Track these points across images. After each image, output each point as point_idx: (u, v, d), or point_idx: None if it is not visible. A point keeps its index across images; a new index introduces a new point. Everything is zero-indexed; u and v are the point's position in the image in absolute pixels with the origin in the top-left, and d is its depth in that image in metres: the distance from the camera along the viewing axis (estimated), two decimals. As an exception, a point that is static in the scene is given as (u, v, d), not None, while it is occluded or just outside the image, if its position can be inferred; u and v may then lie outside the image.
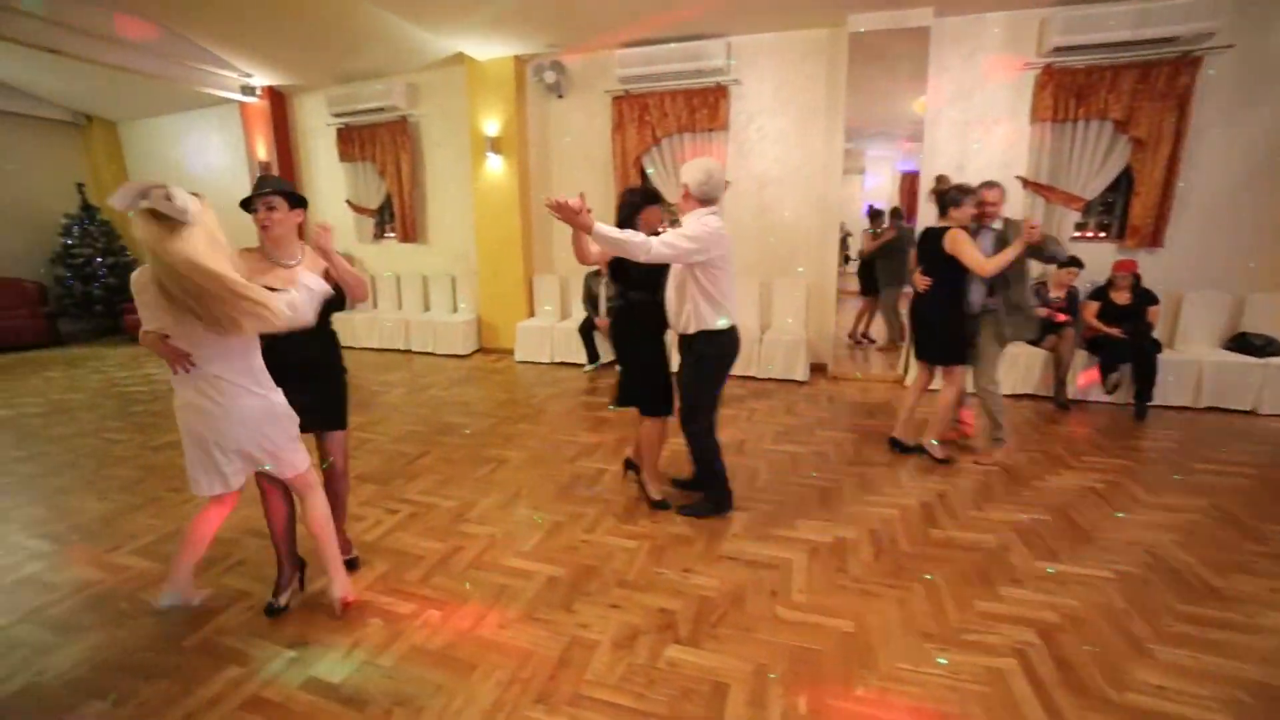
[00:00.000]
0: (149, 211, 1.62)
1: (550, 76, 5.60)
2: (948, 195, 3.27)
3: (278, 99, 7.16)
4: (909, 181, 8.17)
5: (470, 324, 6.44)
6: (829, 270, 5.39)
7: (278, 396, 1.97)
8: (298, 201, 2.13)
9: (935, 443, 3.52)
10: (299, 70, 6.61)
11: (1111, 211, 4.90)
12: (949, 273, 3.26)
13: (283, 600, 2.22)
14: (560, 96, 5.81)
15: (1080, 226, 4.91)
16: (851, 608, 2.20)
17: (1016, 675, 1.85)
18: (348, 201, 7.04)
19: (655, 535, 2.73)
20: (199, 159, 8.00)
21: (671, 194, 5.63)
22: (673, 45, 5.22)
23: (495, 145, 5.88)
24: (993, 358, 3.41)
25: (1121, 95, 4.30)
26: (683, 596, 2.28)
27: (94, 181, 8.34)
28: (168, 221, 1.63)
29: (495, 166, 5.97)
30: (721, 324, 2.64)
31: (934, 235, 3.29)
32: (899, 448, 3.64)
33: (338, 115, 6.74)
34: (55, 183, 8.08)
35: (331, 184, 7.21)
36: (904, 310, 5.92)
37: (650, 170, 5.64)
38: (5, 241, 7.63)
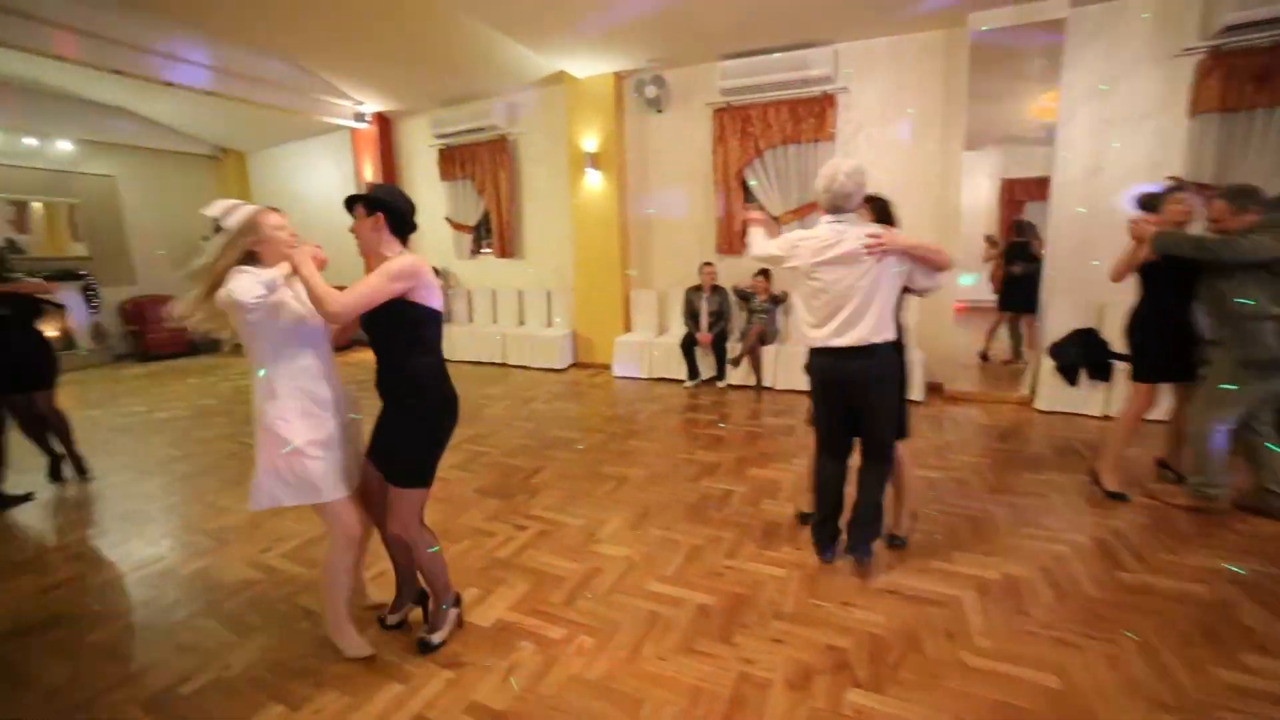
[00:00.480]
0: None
1: (651, 91, 5.61)
2: (1159, 198, 2.95)
3: (385, 124, 7.57)
4: (1009, 189, 7.63)
5: (566, 338, 6.50)
6: (947, 289, 5.05)
7: (273, 412, 1.85)
8: (375, 206, 1.88)
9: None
10: (406, 95, 6.97)
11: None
12: (1162, 279, 2.91)
13: (391, 619, 2.21)
14: (660, 111, 5.81)
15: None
16: (1049, 659, 1.95)
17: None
18: (447, 219, 7.32)
19: (803, 564, 2.56)
20: (312, 183, 8.58)
21: (775, 206, 5.49)
22: (777, 55, 5.11)
23: (594, 161, 5.94)
24: (1220, 397, 2.79)
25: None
26: (850, 633, 2.10)
27: (222, 207, 9.11)
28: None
29: (594, 182, 6.02)
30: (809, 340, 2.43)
31: None
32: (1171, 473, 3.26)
33: (440, 136, 7.04)
34: (195, 209, 8.87)
35: (432, 203, 7.52)
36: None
37: (753, 183, 5.52)
38: (157, 262, 8.43)
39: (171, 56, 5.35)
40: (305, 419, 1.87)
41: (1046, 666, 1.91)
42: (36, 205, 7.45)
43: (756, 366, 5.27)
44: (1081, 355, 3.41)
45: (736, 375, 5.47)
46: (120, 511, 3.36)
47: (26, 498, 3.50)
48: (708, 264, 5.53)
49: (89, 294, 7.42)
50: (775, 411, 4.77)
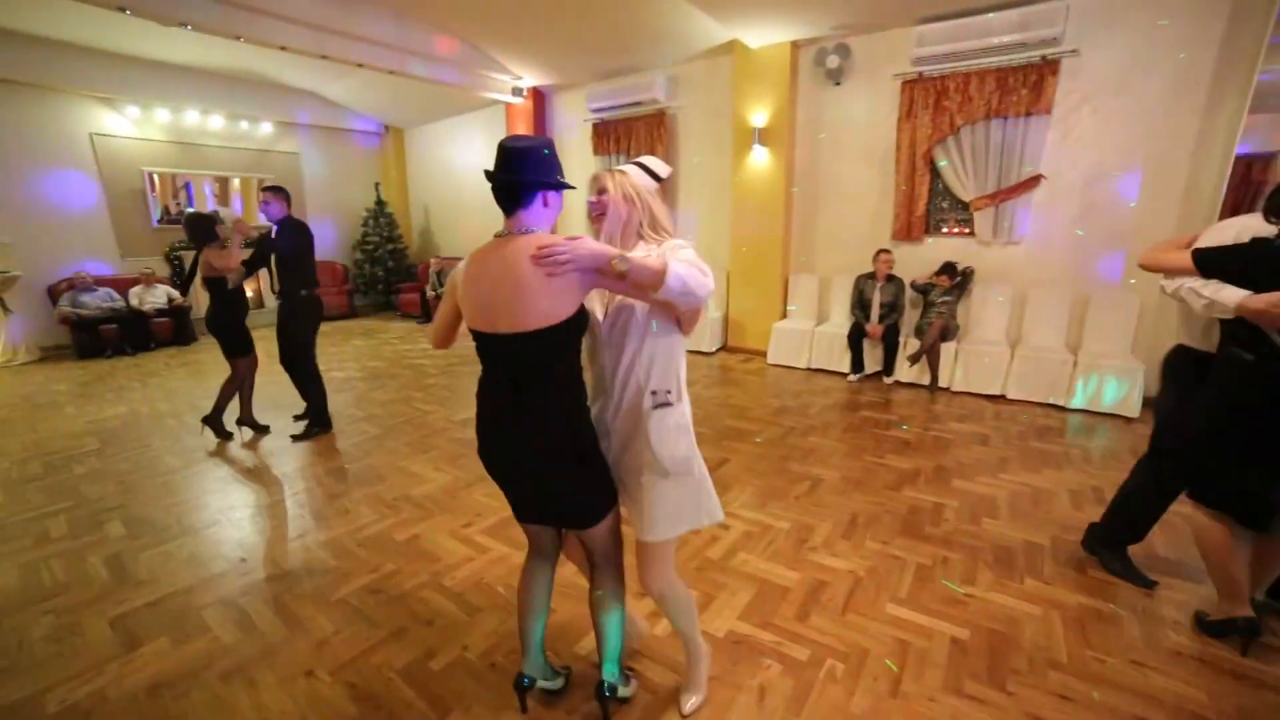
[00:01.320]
0: None
1: (833, 61, 5.20)
2: None
3: (539, 98, 7.68)
4: (1242, 168, 6.39)
5: (717, 321, 6.35)
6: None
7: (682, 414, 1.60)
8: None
9: None
10: (565, 69, 6.99)
11: None
12: None
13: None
14: (837, 84, 5.39)
15: None
16: None
17: None
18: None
19: (1060, 602, 2.27)
20: (465, 158, 8.95)
21: (966, 190, 4.95)
22: (991, 15, 4.51)
23: (762, 136, 5.65)
24: None
25: None
26: (1162, 706, 1.79)
27: (385, 180, 9.79)
28: None
29: (759, 159, 5.74)
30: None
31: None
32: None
33: (595, 110, 7.02)
34: (361, 182, 9.63)
35: (582, 178, 7.57)
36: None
37: (943, 163, 4.99)
38: (327, 230, 9.23)
39: (363, 39, 5.66)
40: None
41: None
42: (235, 181, 8.36)
43: (934, 364, 4.84)
44: None
45: (905, 372, 5.07)
46: (327, 469, 3.63)
47: (265, 429, 4.19)
48: (884, 251, 5.12)
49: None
50: (958, 416, 4.35)
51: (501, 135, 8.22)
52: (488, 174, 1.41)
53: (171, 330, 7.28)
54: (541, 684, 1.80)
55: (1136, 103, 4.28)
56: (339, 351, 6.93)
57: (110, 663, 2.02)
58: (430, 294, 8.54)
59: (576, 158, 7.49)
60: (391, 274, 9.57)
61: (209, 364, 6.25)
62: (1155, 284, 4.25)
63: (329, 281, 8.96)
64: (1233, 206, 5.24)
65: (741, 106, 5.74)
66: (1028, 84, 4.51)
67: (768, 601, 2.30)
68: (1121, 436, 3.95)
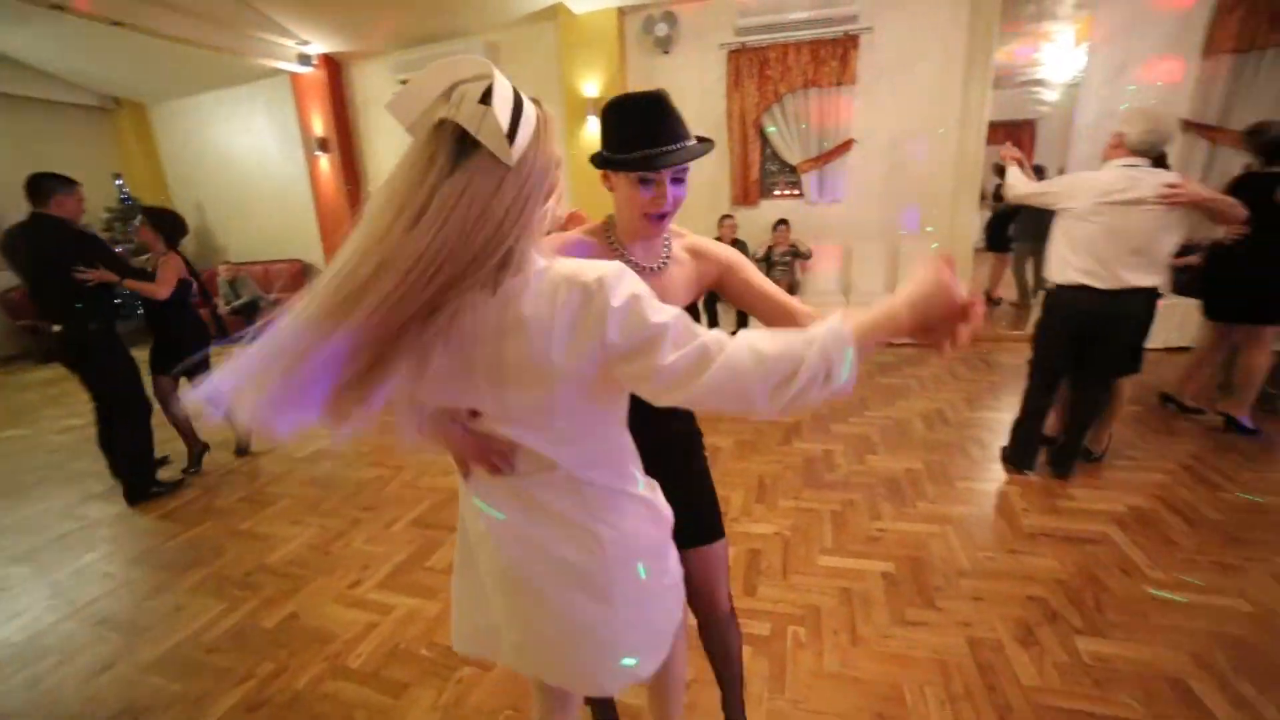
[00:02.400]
0: None
1: (662, 29, 5.20)
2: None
3: (334, 67, 6.62)
4: (1001, 134, 7.84)
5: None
6: (963, 232, 5.17)
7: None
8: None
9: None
10: (364, 34, 6.09)
11: None
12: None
13: None
14: (666, 52, 5.42)
15: None
16: (1221, 584, 2.09)
17: None
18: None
19: (947, 516, 2.59)
20: (244, 139, 7.43)
21: (793, 154, 5.35)
22: (800, -10, 4.85)
23: (595, 107, 5.49)
24: None
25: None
26: (1036, 581, 2.13)
27: (128, 171, 7.73)
28: None
29: (595, 130, 5.57)
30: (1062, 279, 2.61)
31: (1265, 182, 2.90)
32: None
33: (404, 82, 6.22)
34: (89, 170, 7.49)
35: (395, 159, 6.74)
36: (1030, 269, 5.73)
37: (772, 129, 5.32)
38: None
39: None
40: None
41: (1228, 591, 2.05)
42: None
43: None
44: None
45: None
46: (130, 557, 2.86)
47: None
48: (728, 216, 5.34)
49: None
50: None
51: (288, 110, 6.97)
52: (661, 153, 1.02)
53: None
54: None
55: (918, 77, 4.95)
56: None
57: None
58: (224, 308, 7.02)
59: (386, 135, 6.65)
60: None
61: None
62: (946, 230, 5.08)
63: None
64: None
65: (571, 76, 5.52)
66: (836, 56, 4.96)
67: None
68: (938, 363, 4.62)
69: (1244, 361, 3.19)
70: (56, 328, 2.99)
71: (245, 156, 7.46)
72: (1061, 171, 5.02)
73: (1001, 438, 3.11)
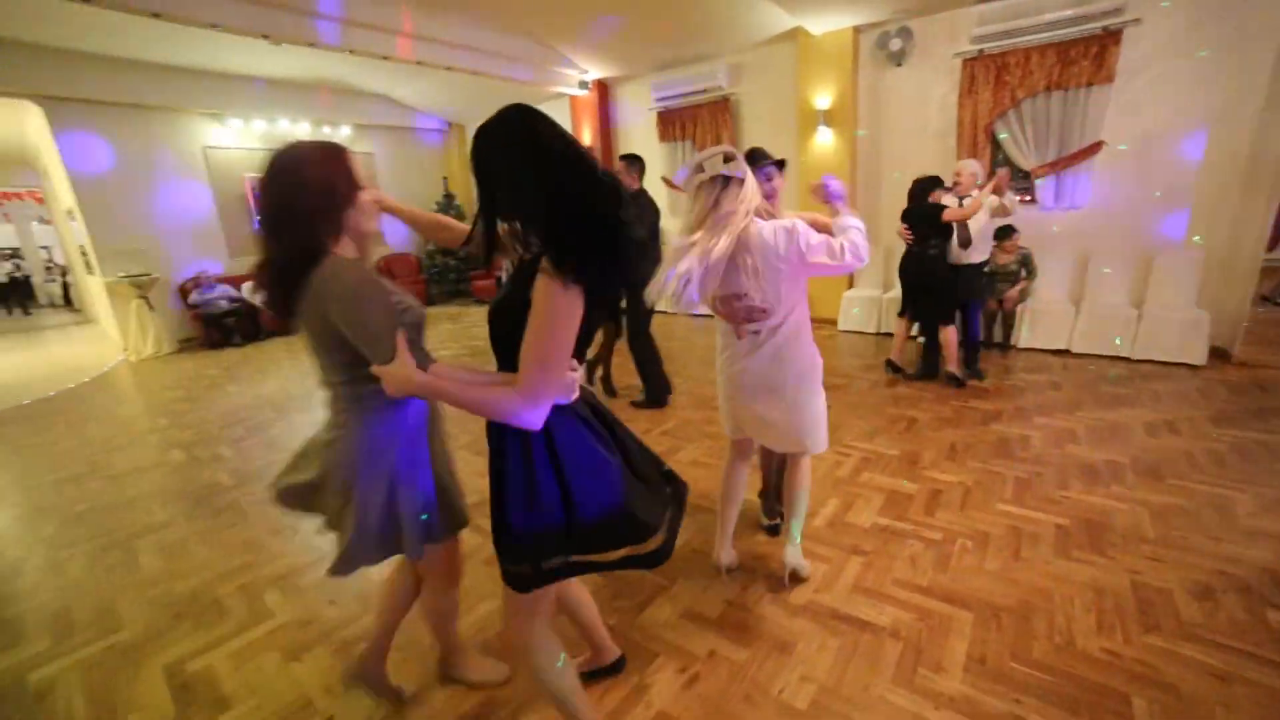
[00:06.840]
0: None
1: (896, 44, 5.56)
2: None
3: (603, 90, 8.17)
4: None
5: (785, 293, 6.79)
6: (1246, 238, 4.59)
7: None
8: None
9: None
10: (629, 61, 7.45)
11: None
12: None
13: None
14: (899, 65, 5.75)
15: None
16: None
17: None
18: (663, 179, 7.83)
19: (1146, 501, 2.72)
20: (529, 150, 9.49)
21: (1027, 160, 5.29)
22: (1052, -7, 4.82)
23: (827, 118, 6.05)
24: None
25: None
26: (1237, 562, 2.25)
27: (451, 175, 10.43)
28: None
29: (825, 139, 6.15)
30: None
31: None
32: None
33: (660, 100, 7.48)
34: (429, 178, 10.29)
35: (648, 164, 8.04)
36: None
37: (1003, 135, 5.33)
38: (400, 225, 9.86)
39: (434, 40, 6.14)
40: None
41: None
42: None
43: (1007, 324, 5.23)
44: None
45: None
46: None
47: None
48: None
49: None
50: (1027, 368, 4.75)
51: (566, 126, 8.68)
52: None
53: (278, 321, 8.02)
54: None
55: (1200, 63, 4.51)
56: (430, 335, 7.59)
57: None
58: (504, 278, 9.11)
59: (641, 146, 7.96)
60: (463, 263, 10.22)
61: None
62: (1223, 237, 4.59)
63: (404, 273, 9.66)
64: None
65: (806, 90, 6.14)
66: (1089, 55, 4.81)
67: (897, 505, 2.81)
68: (1189, 381, 4.23)
69: None
70: None
71: (529, 164, 9.53)
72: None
73: (1255, 456, 2.99)
